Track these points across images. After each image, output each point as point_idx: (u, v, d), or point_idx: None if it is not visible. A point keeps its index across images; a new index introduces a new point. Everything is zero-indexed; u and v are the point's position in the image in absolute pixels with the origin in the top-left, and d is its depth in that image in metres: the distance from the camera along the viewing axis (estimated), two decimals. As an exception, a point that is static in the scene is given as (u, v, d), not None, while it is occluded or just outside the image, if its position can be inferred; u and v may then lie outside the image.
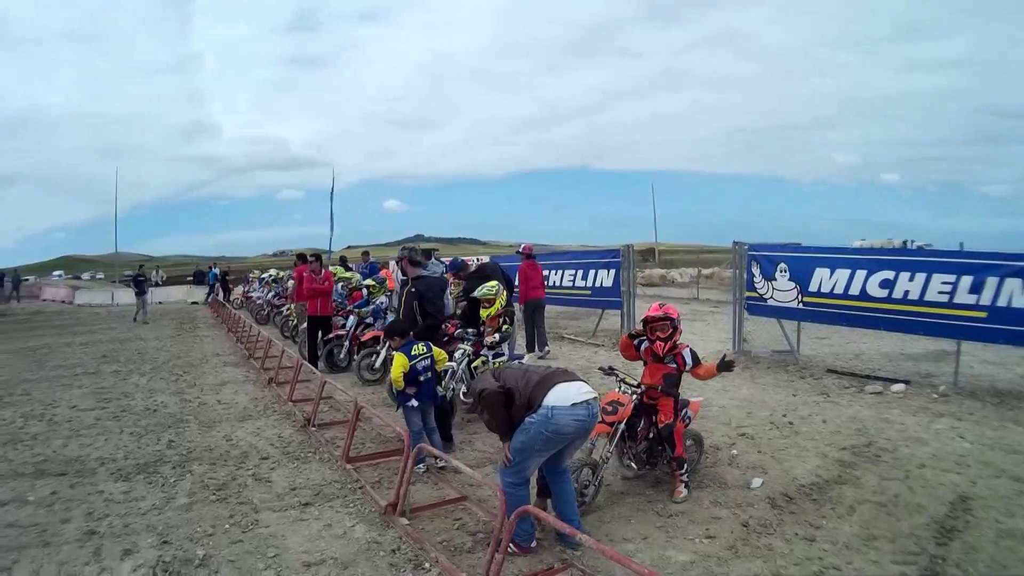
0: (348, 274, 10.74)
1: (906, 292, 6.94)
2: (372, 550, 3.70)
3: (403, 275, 5.99)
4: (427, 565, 3.48)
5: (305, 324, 11.00)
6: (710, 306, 17.21)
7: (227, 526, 4.05)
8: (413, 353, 5.02)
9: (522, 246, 10.31)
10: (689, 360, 4.48)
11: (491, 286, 6.50)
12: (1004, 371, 7.49)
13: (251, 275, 22.67)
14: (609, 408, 4.22)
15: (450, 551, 3.63)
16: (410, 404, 4.97)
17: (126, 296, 29.14)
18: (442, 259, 12.32)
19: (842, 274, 7.51)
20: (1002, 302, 6.35)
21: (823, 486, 4.40)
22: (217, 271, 26.94)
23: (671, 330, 4.44)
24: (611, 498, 4.32)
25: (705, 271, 27.26)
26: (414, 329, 5.43)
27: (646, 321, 4.53)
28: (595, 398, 3.60)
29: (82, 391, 8.41)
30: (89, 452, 5.69)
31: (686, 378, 4.59)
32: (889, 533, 3.70)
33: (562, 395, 3.44)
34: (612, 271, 10.79)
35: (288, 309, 13.36)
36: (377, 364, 8.06)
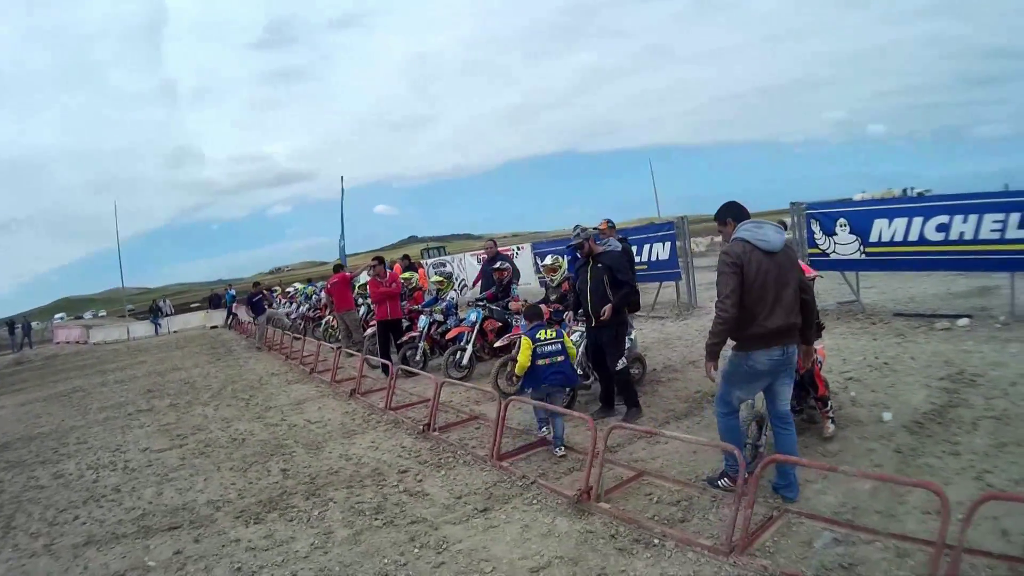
0: (407, 274, 10.88)
1: (961, 233, 7.38)
2: (590, 540, 3.59)
3: (581, 257, 5.88)
4: (656, 542, 3.45)
5: (352, 332, 11.01)
6: None
7: (416, 549, 3.72)
8: (539, 337, 5.10)
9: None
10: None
11: (555, 257, 6.98)
12: None
13: (273, 291, 22.99)
14: None
15: (667, 524, 3.62)
16: (527, 390, 5.18)
17: (141, 329, 28.97)
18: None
19: (900, 223, 7.93)
20: None
21: (941, 410, 4.87)
22: (234, 292, 27.20)
23: None
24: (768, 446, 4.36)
25: (716, 238, 28.00)
26: (611, 303, 5.47)
27: None
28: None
29: (146, 430, 7.76)
30: (194, 497, 5.04)
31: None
32: (1014, 439, 4.19)
33: None
34: (668, 243, 11.14)
35: (327, 321, 13.19)
36: (465, 361, 8.05)
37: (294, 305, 17.48)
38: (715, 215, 4.01)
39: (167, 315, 30.65)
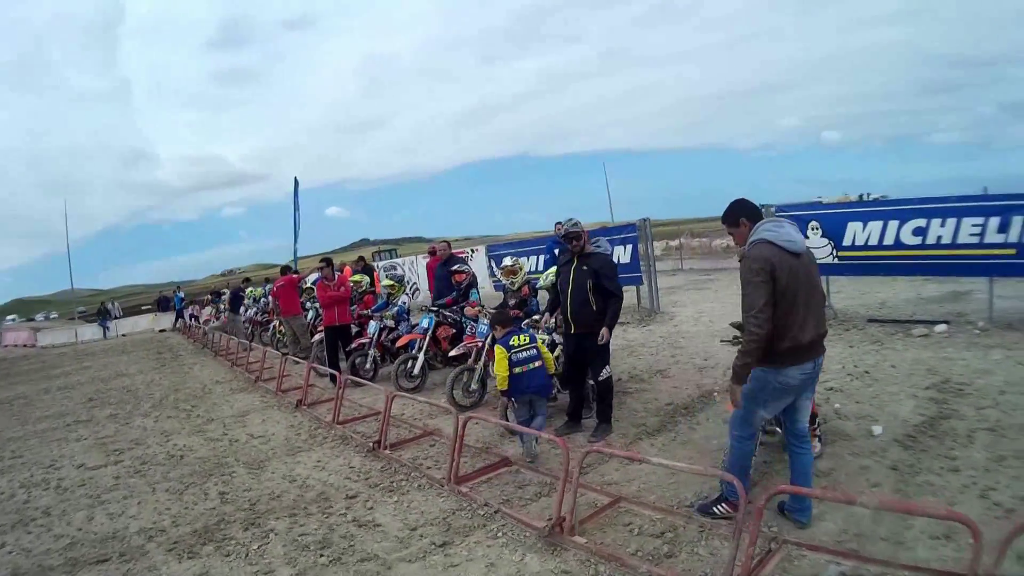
0: (357, 277, 10.21)
1: (939, 237, 7.18)
2: (565, 582, 3.08)
3: (570, 254, 5.34)
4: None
5: (299, 338, 10.39)
6: (701, 275, 17.62)
7: (370, 595, 3.16)
8: (512, 344, 4.73)
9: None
10: None
11: (552, 273, 6.01)
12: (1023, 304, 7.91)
13: (222, 293, 22.01)
14: None
15: (653, 561, 3.18)
16: (512, 401, 4.86)
17: (90, 332, 27.51)
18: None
19: (875, 226, 7.69)
20: None
21: (932, 422, 4.60)
22: (183, 295, 26.20)
23: None
24: (756, 466, 4.04)
25: (672, 242, 28.23)
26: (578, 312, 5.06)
27: None
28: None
29: (83, 444, 7.20)
30: (126, 524, 4.52)
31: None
32: (1013, 452, 3.96)
33: None
34: (629, 246, 10.71)
35: (275, 326, 12.58)
36: (416, 370, 7.51)
37: (242, 308, 16.70)
38: (724, 216, 3.52)
39: (115, 318, 29.41)
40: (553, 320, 5.70)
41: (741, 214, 3.43)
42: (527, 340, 4.85)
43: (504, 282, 7.12)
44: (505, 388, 4.76)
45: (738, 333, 4.60)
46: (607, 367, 5.19)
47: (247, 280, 15.98)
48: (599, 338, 5.00)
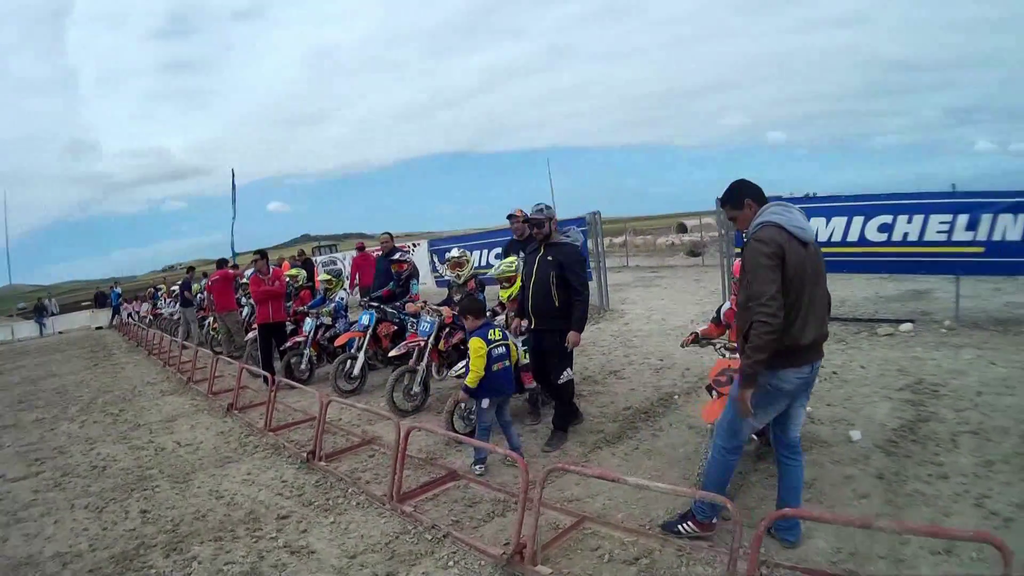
0: (294, 271, 9.54)
1: (905, 234, 7.03)
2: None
3: (530, 240, 4.98)
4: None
5: (233, 336, 9.91)
6: (648, 272, 17.44)
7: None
8: (490, 338, 4.24)
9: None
10: None
11: (510, 262, 5.52)
12: (985, 303, 7.83)
13: (159, 289, 20.95)
14: (723, 379, 3.69)
15: None
16: (483, 404, 4.25)
17: (27, 329, 25.91)
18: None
19: (839, 222, 7.47)
20: (997, 236, 6.63)
21: (912, 426, 4.36)
22: (119, 291, 24.94)
23: None
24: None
25: (616, 239, 28.04)
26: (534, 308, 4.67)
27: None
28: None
29: (4, 452, 6.55)
30: (41, 547, 4.01)
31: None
32: (1000, 456, 3.77)
33: None
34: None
35: (210, 322, 11.80)
36: (356, 371, 6.92)
37: (177, 304, 15.48)
38: (725, 197, 3.09)
39: (52, 314, 27.67)
40: (524, 324, 5.06)
41: (746, 195, 3.02)
42: (500, 335, 4.37)
43: (449, 276, 6.46)
44: (476, 387, 4.23)
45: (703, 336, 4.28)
46: (568, 369, 4.75)
47: (191, 269, 14.90)
48: (567, 343, 4.58)
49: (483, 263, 11.33)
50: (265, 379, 7.29)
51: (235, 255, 15.05)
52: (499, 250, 10.21)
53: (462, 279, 6.15)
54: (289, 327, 8.36)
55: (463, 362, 5.20)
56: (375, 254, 14.93)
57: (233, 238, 15.94)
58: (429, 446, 5.04)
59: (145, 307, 20.56)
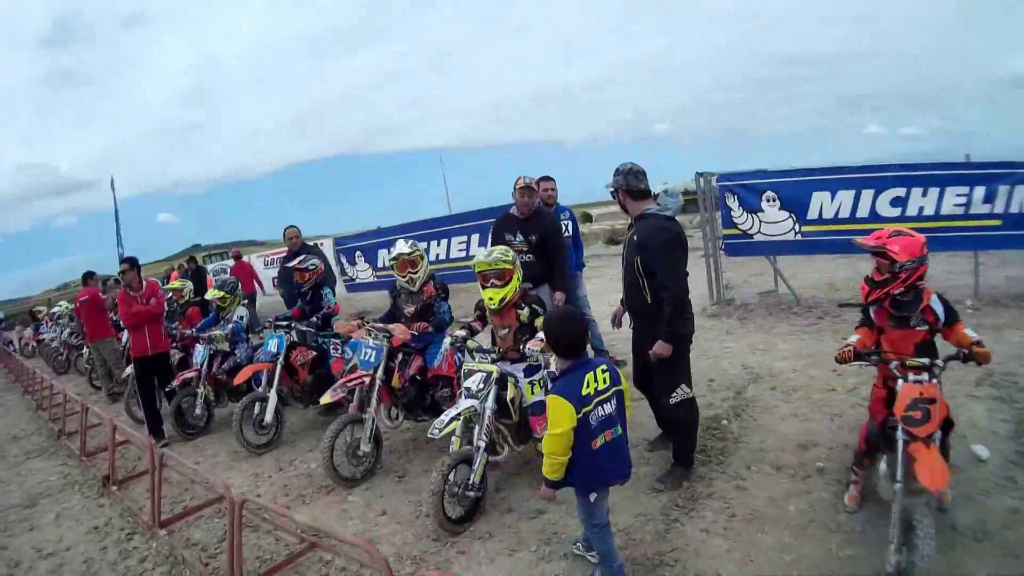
0: (177, 283, 7.33)
1: (920, 208, 6.32)
2: None
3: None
4: None
5: (111, 369, 7.87)
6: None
7: None
8: (586, 394, 2.43)
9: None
10: (941, 313, 2.79)
11: (504, 250, 3.83)
12: (998, 279, 7.28)
13: (40, 312, 17.97)
14: (918, 415, 2.46)
15: None
16: (590, 498, 2.54)
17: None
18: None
19: (846, 196, 6.64)
20: (1015, 209, 6.09)
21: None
22: (1, 315, 21.61)
23: (908, 272, 2.75)
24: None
25: None
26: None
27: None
28: None
29: None
30: None
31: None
32: None
33: None
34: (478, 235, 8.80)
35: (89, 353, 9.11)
36: (268, 418, 5.03)
37: (57, 329, 12.88)
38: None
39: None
40: (539, 347, 3.48)
41: None
42: (607, 381, 2.53)
43: (399, 280, 4.59)
44: (561, 476, 2.49)
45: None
46: (682, 387, 3.38)
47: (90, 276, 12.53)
48: (651, 352, 3.31)
49: (447, 255, 9.34)
50: (154, 430, 5.46)
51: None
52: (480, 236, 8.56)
53: (415, 284, 4.51)
54: (176, 355, 6.42)
55: (449, 412, 3.37)
56: (273, 257, 13.01)
57: (120, 249, 13.82)
58: (409, 542, 3.32)
59: (28, 332, 17.44)
